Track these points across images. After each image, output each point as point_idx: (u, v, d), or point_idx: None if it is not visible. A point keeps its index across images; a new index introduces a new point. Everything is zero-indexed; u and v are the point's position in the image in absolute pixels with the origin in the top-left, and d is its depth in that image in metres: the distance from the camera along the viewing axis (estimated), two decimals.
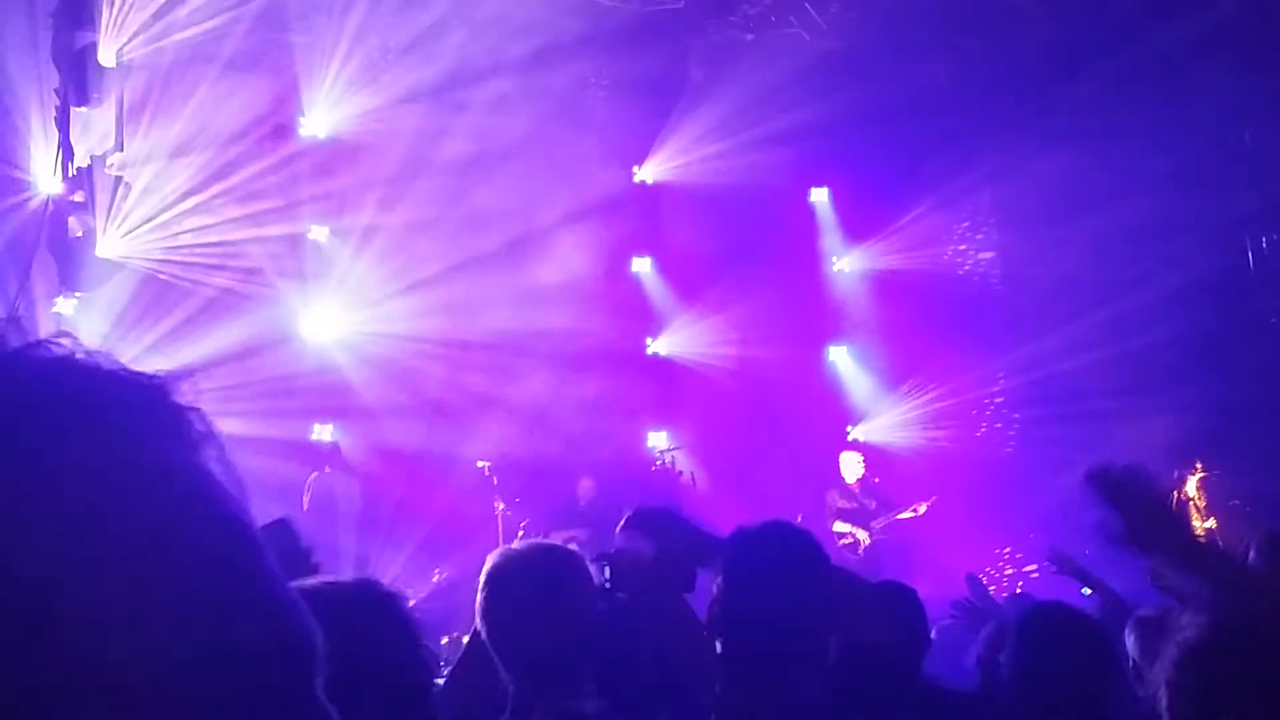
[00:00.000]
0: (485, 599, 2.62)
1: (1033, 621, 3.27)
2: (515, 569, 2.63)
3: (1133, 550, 2.29)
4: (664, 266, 13.18)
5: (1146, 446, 10.89)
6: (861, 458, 11.73)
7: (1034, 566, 10.61)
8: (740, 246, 12.69)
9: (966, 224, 13.63)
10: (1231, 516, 9.86)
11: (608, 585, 2.72)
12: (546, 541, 2.94)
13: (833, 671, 2.58)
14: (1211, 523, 9.75)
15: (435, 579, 10.24)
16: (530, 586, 2.57)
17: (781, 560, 2.52)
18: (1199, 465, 10.10)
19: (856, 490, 11.54)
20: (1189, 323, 11.83)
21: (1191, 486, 9.94)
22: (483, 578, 2.65)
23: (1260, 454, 11.34)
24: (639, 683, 4.49)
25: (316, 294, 11.76)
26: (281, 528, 2.56)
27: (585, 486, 11.28)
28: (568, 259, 12.05)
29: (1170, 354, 11.70)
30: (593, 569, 2.75)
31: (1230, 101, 11.92)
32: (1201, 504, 9.86)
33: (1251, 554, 4.76)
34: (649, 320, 13.22)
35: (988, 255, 13.67)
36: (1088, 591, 7.66)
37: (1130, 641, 3.93)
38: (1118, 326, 11.81)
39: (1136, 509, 2.22)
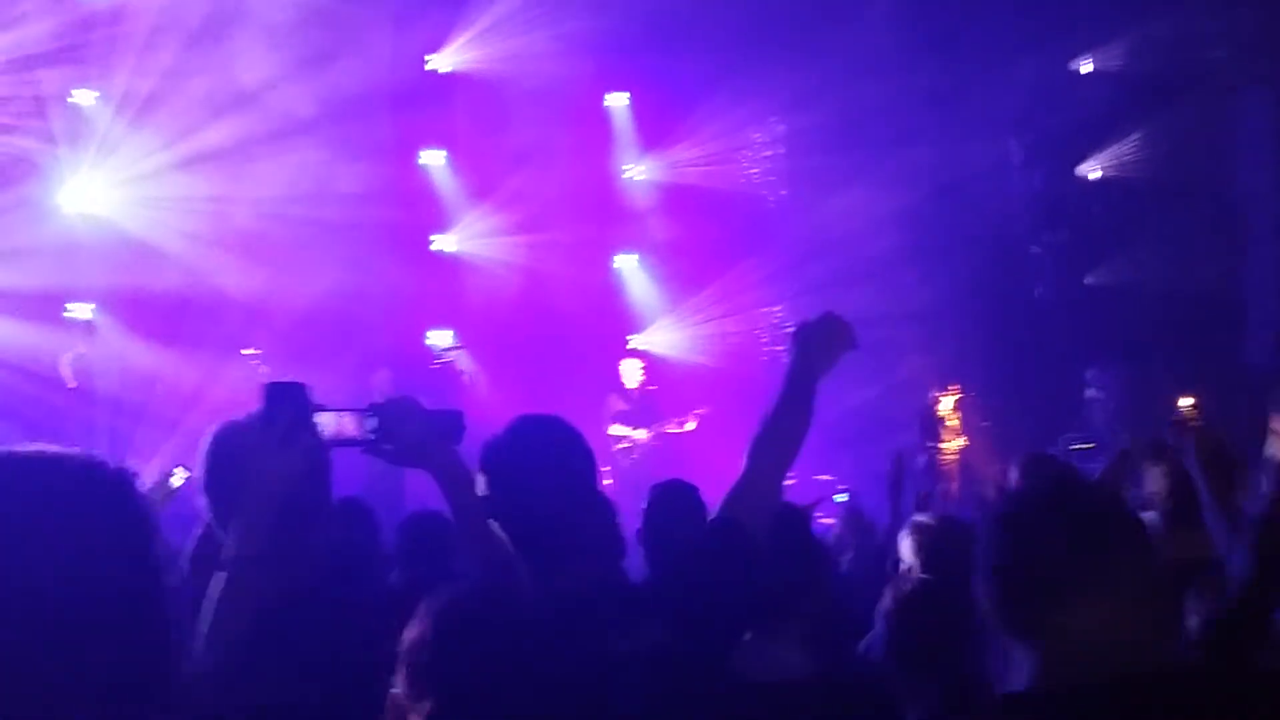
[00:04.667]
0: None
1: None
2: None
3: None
4: (455, 160, 12.87)
5: (917, 366, 11.45)
6: (642, 364, 11.88)
7: (793, 479, 10.98)
8: (535, 145, 12.50)
9: (759, 145, 13.80)
10: (981, 435, 10.48)
11: (373, 437, 2.62)
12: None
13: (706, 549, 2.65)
14: (963, 440, 10.31)
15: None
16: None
17: (545, 448, 2.56)
18: (955, 386, 10.63)
19: (635, 396, 11.71)
20: (962, 255, 12.42)
21: (947, 406, 10.47)
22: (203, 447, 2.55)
23: (1013, 378, 12.07)
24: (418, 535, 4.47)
25: (78, 162, 11.01)
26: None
27: (382, 377, 11.01)
28: (353, 144, 11.61)
29: (944, 283, 12.25)
30: (353, 420, 2.65)
31: (1006, 39, 12.43)
32: (955, 423, 10.41)
33: (1013, 474, 5.12)
34: (437, 215, 12.93)
35: (778, 171, 13.90)
36: (842, 498, 8.05)
37: (905, 545, 4.14)
38: (897, 257, 12.28)
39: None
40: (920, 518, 4.25)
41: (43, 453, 1.27)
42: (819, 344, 2.76)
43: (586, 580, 2.49)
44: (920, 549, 4.02)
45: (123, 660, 1.15)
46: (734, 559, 2.53)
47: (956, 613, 2.93)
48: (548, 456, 2.57)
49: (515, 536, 2.51)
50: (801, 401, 2.72)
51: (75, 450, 1.38)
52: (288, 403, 2.36)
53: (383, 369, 11.01)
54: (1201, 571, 3.25)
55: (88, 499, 1.19)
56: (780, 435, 2.68)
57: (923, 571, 3.85)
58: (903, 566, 4.06)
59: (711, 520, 2.65)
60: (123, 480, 1.25)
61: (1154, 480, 4.09)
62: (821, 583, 3.71)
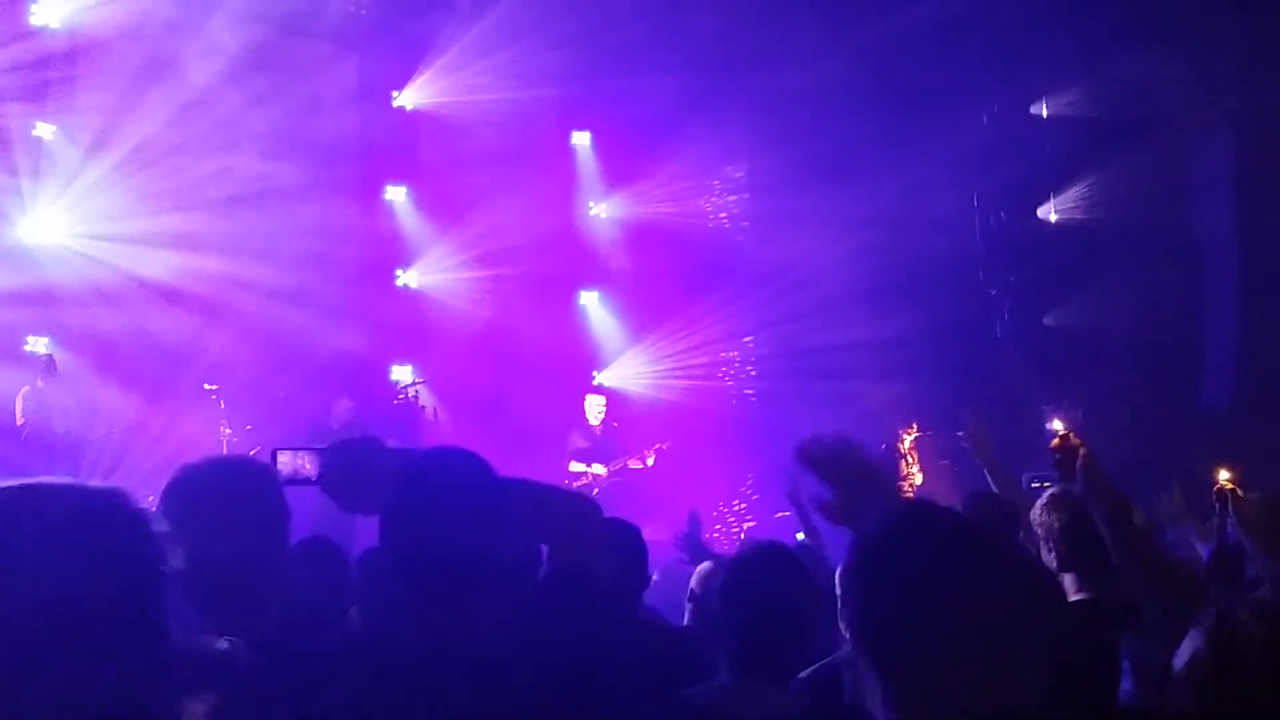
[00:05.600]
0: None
1: (742, 558, 3.39)
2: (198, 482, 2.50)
3: (842, 521, 2.34)
4: (419, 196, 12.89)
5: (877, 407, 11.50)
6: (604, 401, 11.89)
7: (753, 522, 11.03)
8: (498, 182, 12.55)
9: (721, 184, 13.89)
10: (938, 474, 10.53)
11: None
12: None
13: (543, 599, 2.54)
14: (920, 478, 10.35)
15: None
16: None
17: (445, 484, 2.40)
18: (914, 425, 10.68)
19: (598, 432, 11.72)
20: (923, 294, 12.51)
21: (906, 444, 10.51)
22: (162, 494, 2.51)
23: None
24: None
25: (38, 195, 10.95)
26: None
27: (343, 407, 10.90)
28: (319, 179, 11.60)
29: (904, 323, 12.33)
30: (312, 459, 2.63)
31: (970, 90, 12.61)
32: (914, 461, 10.45)
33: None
34: (400, 250, 12.93)
35: (741, 210, 13.99)
36: (801, 536, 8.05)
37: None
38: (858, 297, 12.37)
39: (846, 481, 2.27)
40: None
41: (51, 484, 1.43)
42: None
43: (476, 623, 2.36)
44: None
45: (118, 677, 1.26)
46: (570, 610, 2.46)
47: None
48: (456, 493, 2.40)
49: (412, 572, 2.39)
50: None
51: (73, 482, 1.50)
52: None
53: (344, 399, 10.95)
54: (1129, 615, 3.15)
55: (93, 524, 1.32)
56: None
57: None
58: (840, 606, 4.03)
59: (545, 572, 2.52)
60: (132, 511, 1.38)
61: (1043, 516, 3.86)
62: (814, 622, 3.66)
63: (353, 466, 2.62)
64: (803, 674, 3.56)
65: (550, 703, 2.29)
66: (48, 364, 10.33)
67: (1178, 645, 2.55)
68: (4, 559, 1.27)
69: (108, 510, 1.37)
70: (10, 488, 1.38)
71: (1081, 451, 3.06)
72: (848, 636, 1.82)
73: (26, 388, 10.02)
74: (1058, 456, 3.09)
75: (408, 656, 2.34)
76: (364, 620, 4.37)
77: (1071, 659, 2.31)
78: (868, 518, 2.20)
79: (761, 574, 3.22)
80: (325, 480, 2.62)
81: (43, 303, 10.76)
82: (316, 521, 6.71)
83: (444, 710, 2.24)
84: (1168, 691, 2.69)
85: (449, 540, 2.36)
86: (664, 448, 11.31)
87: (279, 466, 2.60)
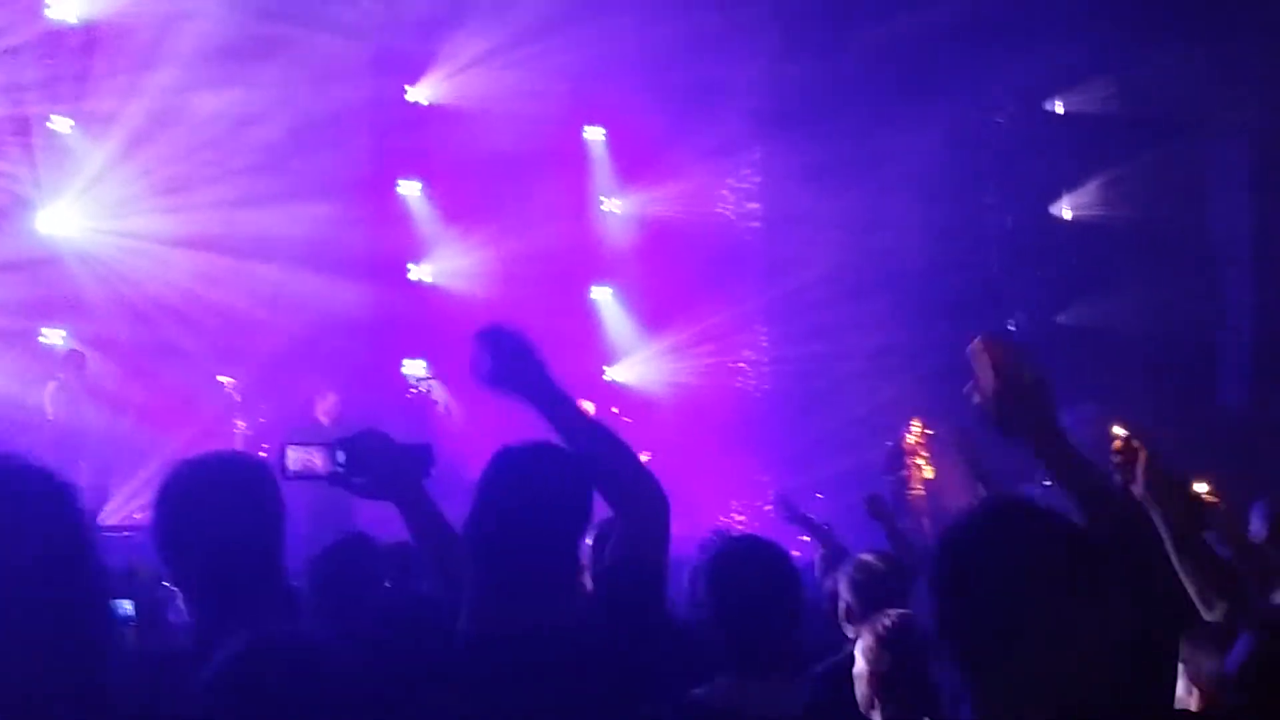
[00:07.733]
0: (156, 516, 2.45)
1: (721, 558, 3.35)
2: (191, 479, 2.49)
3: (996, 427, 2.24)
4: (432, 191, 12.90)
5: (889, 404, 11.47)
6: (593, 408, 11.89)
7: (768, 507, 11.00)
8: (512, 177, 12.56)
9: (734, 181, 13.88)
10: (950, 470, 10.45)
11: (341, 470, 2.62)
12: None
13: (591, 599, 2.60)
14: (930, 472, 10.27)
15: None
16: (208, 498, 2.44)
17: (540, 477, 2.45)
18: (920, 422, 10.60)
19: None
20: (937, 292, 12.48)
21: (913, 439, 10.42)
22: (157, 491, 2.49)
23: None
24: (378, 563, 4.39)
25: (54, 186, 10.99)
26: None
27: (329, 401, 10.66)
28: (332, 173, 11.62)
29: (918, 320, 12.30)
30: (320, 454, 2.65)
31: (986, 85, 12.56)
32: (923, 455, 10.36)
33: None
34: (413, 244, 12.93)
35: (753, 207, 13.97)
36: (807, 539, 8.02)
37: (844, 583, 4.07)
38: (872, 295, 12.35)
39: (1010, 385, 2.19)
40: (866, 556, 4.16)
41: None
42: (507, 368, 2.60)
43: (533, 617, 2.40)
44: (856, 587, 3.96)
45: (52, 665, 1.23)
46: (634, 600, 2.47)
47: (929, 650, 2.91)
48: (557, 489, 2.47)
49: (496, 567, 2.42)
50: (566, 419, 2.56)
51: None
52: None
53: (329, 394, 10.75)
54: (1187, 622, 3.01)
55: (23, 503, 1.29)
56: (598, 462, 2.53)
57: (860, 610, 3.79)
58: (841, 604, 3.99)
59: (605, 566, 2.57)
60: (62, 489, 1.36)
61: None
62: (803, 620, 3.63)
63: (370, 458, 2.65)
64: (817, 669, 3.55)
65: (579, 701, 2.32)
66: (76, 359, 10.24)
67: (1231, 648, 2.56)
68: None
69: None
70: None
71: (1142, 455, 3.01)
72: (936, 629, 1.79)
73: (53, 384, 9.97)
74: (1119, 460, 3.05)
75: (456, 646, 2.37)
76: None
77: (1143, 661, 2.32)
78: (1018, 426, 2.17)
79: (744, 567, 3.19)
80: (348, 471, 2.64)
81: (59, 295, 10.82)
82: (315, 512, 6.74)
83: (483, 698, 2.28)
84: (1219, 694, 2.68)
85: (541, 533, 2.41)
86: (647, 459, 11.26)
87: (289, 463, 2.62)
